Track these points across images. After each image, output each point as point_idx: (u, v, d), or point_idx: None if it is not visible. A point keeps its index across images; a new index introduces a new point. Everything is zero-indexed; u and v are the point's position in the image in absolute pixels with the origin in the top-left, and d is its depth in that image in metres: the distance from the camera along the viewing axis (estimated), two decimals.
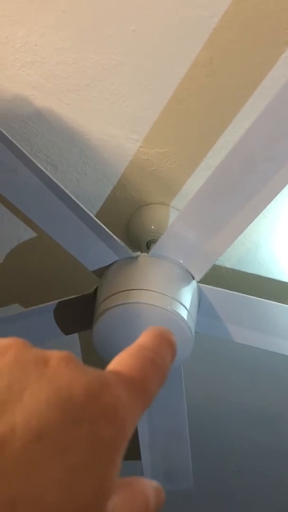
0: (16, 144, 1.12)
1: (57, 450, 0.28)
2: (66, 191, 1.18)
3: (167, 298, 1.21)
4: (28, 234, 1.62)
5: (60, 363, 0.32)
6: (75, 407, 0.29)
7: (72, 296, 1.39)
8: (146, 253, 1.30)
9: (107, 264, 1.31)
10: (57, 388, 0.30)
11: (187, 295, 1.25)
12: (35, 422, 0.28)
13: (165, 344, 0.37)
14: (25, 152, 1.13)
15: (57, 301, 1.39)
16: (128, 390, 0.32)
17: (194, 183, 1.44)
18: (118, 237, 1.27)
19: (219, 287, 1.34)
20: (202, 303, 1.31)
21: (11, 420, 0.28)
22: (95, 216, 1.24)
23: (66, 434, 0.28)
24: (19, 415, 0.28)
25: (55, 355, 0.33)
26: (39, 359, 0.32)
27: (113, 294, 1.22)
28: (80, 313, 1.39)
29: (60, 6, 1.17)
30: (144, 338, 0.37)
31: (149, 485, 0.34)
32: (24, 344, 0.34)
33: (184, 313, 1.21)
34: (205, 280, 1.31)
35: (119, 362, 0.34)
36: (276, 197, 1.14)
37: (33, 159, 1.14)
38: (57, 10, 1.17)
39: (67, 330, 1.45)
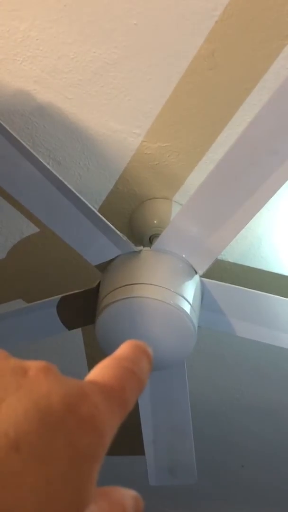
0: (18, 138, 1.12)
1: (35, 461, 0.28)
2: (69, 185, 1.18)
3: (170, 293, 1.21)
4: (31, 229, 1.62)
5: (38, 374, 0.32)
6: (53, 417, 0.30)
7: (75, 291, 1.39)
8: (148, 248, 1.30)
9: (110, 258, 1.31)
10: (35, 399, 0.30)
11: (190, 290, 1.25)
12: (13, 432, 0.28)
13: (142, 354, 0.38)
14: (27, 147, 1.13)
15: (60, 296, 1.39)
16: (106, 400, 0.33)
17: (197, 177, 1.43)
18: (120, 232, 1.27)
19: (222, 281, 1.34)
20: (205, 298, 1.31)
21: None
22: (98, 211, 1.24)
23: (44, 445, 0.28)
24: None
25: (33, 366, 0.33)
26: (18, 369, 0.32)
27: (116, 289, 1.22)
28: (83, 308, 1.39)
29: (62, 0, 1.17)
30: (121, 350, 0.37)
31: (127, 495, 0.34)
32: (2, 354, 0.34)
33: (187, 308, 1.21)
34: (208, 274, 1.31)
35: (97, 373, 0.35)
36: (279, 191, 1.13)
37: (35, 154, 1.14)
38: (59, 4, 1.17)
39: (70, 325, 1.45)
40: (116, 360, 0.36)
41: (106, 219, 1.24)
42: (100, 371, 0.35)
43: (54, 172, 1.16)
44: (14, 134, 1.12)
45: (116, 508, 0.32)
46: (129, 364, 0.36)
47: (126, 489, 0.34)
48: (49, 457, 0.28)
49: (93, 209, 1.22)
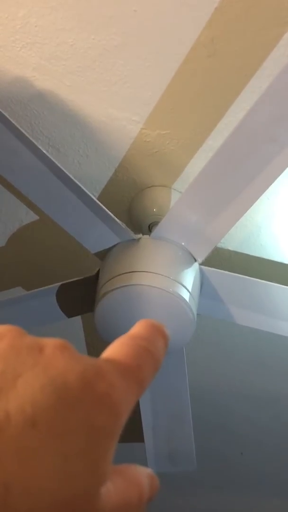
0: (17, 126, 1.12)
1: (51, 437, 0.28)
2: (68, 173, 1.18)
3: (169, 280, 1.21)
4: (30, 217, 1.62)
5: (55, 351, 0.32)
6: (70, 394, 0.30)
7: (75, 279, 1.39)
8: (148, 236, 1.30)
9: (109, 246, 1.31)
10: (52, 376, 0.30)
11: (189, 277, 1.25)
12: (30, 409, 0.28)
13: (158, 333, 0.38)
14: (27, 134, 1.13)
15: (59, 283, 1.40)
16: (122, 378, 0.33)
17: (196, 165, 1.43)
18: (120, 220, 1.27)
19: (222, 269, 1.34)
20: (204, 285, 1.31)
21: (5, 407, 0.28)
22: (97, 199, 1.23)
23: (60, 421, 0.29)
24: (13, 402, 0.28)
25: (50, 343, 0.33)
26: (34, 346, 0.33)
27: (115, 276, 1.22)
28: (83, 295, 1.39)
29: None
30: (137, 328, 0.38)
31: (143, 472, 0.34)
32: (19, 331, 0.34)
33: (186, 295, 1.21)
34: (207, 262, 1.31)
35: (113, 351, 0.35)
36: (279, 178, 1.13)
37: (34, 142, 1.14)
38: None
39: (69, 312, 1.45)
40: (132, 338, 0.37)
41: (106, 207, 1.23)
42: (116, 349, 0.35)
43: (53, 160, 1.16)
44: (13, 122, 1.12)
45: (132, 486, 0.33)
46: (145, 343, 0.36)
47: (142, 467, 0.35)
48: (65, 434, 0.29)
49: (93, 197, 1.22)
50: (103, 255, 1.32)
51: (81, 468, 0.28)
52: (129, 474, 0.33)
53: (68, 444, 0.28)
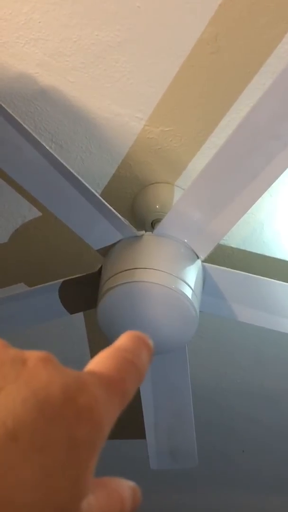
0: (21, 122, 1.12)
1: (33, 450, 0.28)
2: (71, 169, 1.18)
3: (172, 277, 1.21)
4: (33, 213, 1.62)
5: (38, 364, 0.32)
6: (52, 407, 0.30)
7: (77, 275, 1.39)
8: (150, 232, 1.30)
9: (112, 243, 1.30)
10: (34, 389, 0.30)
11: (192, 274, 1.25)
12: (11, 422, 0.28)
13: (142, 345, 0.38)
14: (30, 131, 1.13)
15: (61, 280, 1.40)
16: (105, 390, 0.33)
17: (199, 162, 1.43)
18: (123, 216, 1.27)
19: (224, 266, 1.34)
20: (206, 283, 1.31)
21: None
22: (100, 195, 1.23)
23: (41, 434, 0.29)
24: None
25: (33, 356, 0.33)
26: (17, 359, 0.32)
27: (117, 273, 1.22)
28: (85, 292, 1.39)
29: None
30: (121, 340, 0.37)
31: (125, 485, 0.34)
32: (2, 343, 0.34)
33: (188, 292, 1.21)
34: (210, 259, 1.31)
35: (97, 363, 0.35)
36: (282, 176, 1.13)
37: (37, 138, 1.14)
38: None
39: (72, 309, 1.45)
40: (116, 350, 0.36)
41: (108, 204, 1.24)
42: (100, 362, 0.35)
43: (56, 156, 1.16)
44: (17, 118, 1.12)
45: (114, 498, 0.33)
46: (129, 355, 0.36)
47: (124, 479, 0.35)
48: (46, 447, 0.28)
49: (95, 193, 1.22)
50: (105, 251, 1.32)
51: (62, 481, 0.28)
52: (111, 487, 0.33)
53: (49, 457, 0.28)
